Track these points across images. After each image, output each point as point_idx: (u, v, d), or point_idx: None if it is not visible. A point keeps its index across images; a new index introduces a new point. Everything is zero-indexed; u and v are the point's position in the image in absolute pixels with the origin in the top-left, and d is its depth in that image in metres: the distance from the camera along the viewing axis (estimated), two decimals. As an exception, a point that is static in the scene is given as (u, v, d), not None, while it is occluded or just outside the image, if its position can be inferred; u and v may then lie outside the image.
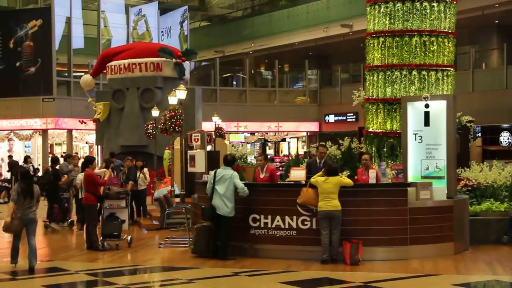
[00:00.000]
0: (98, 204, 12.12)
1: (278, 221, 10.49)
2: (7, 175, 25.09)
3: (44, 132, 29.13)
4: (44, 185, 14.90)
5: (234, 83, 39.49)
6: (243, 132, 34.49)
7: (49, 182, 15.19)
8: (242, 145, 27.46)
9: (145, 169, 16.40)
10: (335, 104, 33.10)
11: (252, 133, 35.24)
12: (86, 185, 12.01)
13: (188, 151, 15.00)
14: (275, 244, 10.48)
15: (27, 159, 20.60)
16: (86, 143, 31.95)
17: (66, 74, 30.16)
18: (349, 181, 10.38)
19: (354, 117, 31.44)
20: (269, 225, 10.53)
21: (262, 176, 11.65)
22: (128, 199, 12.29)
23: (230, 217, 10.43)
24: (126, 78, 23.59)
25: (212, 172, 10.76)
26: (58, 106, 28.56)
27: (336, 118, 33.02)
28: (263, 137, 35.61)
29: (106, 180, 12.24)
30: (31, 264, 9.89)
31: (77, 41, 30.77)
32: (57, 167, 15.50)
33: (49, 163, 17.27)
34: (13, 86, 28.94)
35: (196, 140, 15.21)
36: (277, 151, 37.17)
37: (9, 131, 29.57)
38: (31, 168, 20.33)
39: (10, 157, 25.63)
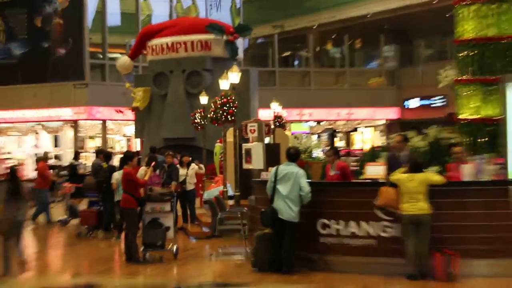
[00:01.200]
0: (138, 208, 12.13)
1: (353, 228, 10.34)
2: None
3: (75, 124, 29.61)
4: (101, 183, 15.00)
5: (296, 63, 39.31)
6: (307, 121, 34.37)
7: (105, 179, 15.02)
8: (306, 137, 27.29)
9: (193, 165, 16.40)
10: (418, 86, 32.59)
11: (318, 122, 35.04)
12: (125, 185, 12.01)
13: (243, 144, 14.96)
14: (349, 255, 10.34)
15: (77, 155, 20.64)
16: (124, 136, 32.35)
17: (101, 56, 30.59)
18: (439, 178, 10.10)
19: (442, 101, 30.87)
20: (342, 232, 10.40)
21: (332, 173, 11.47)
22: (173, 201, 12.27)
23: (295, 223, 10.32)
24: (169, 60, 23.77)
25: (273, 169, 10.65)
26: (91, 93, 28.98)
27: (420, 102, 32.56)
28: (331, 126, 35.38)
29: (147, 179, 12.26)
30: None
31: (113, 18, 31.16)
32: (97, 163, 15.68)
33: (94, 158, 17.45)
34: (41, 71, 29.53)
35: (252, 131, 15.16)
36: (348, 143, 36.83)
37: (36, 122, 30.17)
38: (81, 165, 20.59)
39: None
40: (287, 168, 10.47)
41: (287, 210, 10.27)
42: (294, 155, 10.69)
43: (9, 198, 10.61)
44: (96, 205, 15.44)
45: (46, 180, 17.88)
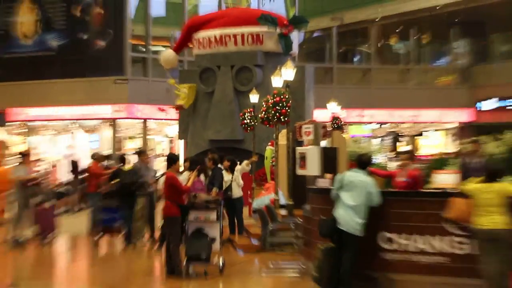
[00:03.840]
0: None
1: (420, 243, 10.24)
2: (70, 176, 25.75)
3: (114, 122, 29.84)
4: (127, 186, 15.40)
5: (356, 59, 39.11)
6: (367, 123, 34.20)
7: (132, 183, 15.50)
8: (366, 140, 27.08)
9: (238, 167, 16.27)
10: (493, 85, 32.23)
11: (380, 125, 34.79)
12: (167, 191, 12.07)
13: (297, 148, 14.89)
14: (416, 273, 10.23)
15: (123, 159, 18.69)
16: (166, 136, 32.55)
17: (143, 49, 30.81)
18: (519, 189, 9.81)
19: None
20: (408, 248, 10.30)
21: (400, 179, 11.31)
22: (219, 210, 12.25)
23: (356, 237, 10.22)
24: (217, 54, 23.78)
25: (339, 176, 10.57)
26: (132, 89, 29.24)
27: (496, 104, 32.13)
28: (395, 129, 35.11)
29: (190, 185, 12.27)
30: None
31: (157, 8, 31.39)
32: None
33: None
34: (78, 65, 29.88)
35: (307, 133, 15.06)
36: (413, 149, 36.50)
37: (72, 121, 30.50)
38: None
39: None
40: (354, 175, 10.42)
41: (349, 221, 10.18)
42: (366, 163, 10.64)
43: None
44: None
45: (98, 183, 17.48)
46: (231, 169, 16.15)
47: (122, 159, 16.25)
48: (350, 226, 10.16)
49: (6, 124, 30.97)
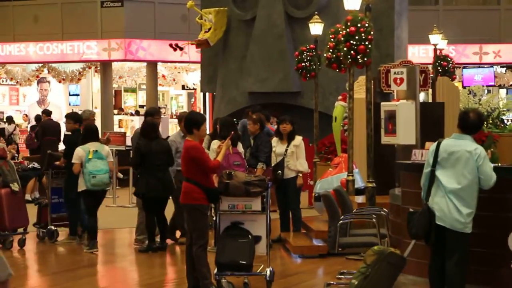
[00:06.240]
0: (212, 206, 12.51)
1: None
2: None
3: (104, 67, 30.16)
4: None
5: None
6: (491, 64, 34.05)
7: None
8: (488, 92, 27.21)
9: (298, 138, 16.42)
10: None
11: (510, 67, 34.72)
12: (187, 168, 12.17)
13: (382, 104, 15.10)
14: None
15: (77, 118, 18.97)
16: (183, 88, 32.82)
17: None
18: None
19: None
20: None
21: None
22: (266, 195, 12.40)
23: (465, 235, 10.27)
24: (258, -39, 24.00)
25: (432, 145, 10.62)
26: (129, 16, 29.49)
27: None
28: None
29: (221, 160, 12.46)
30: None
31: None
32: None
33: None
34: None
35: (398, 81, 15.31)
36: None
37: (40, 64, 30.83)
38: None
39: (45, 113, 26.52)
40: (457, 143, 10.30)
41: (453, 213, 10.14)
42: (474, 125, 10.45)
43: None
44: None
45: None
46: (288, 137, 16.13)
47: (75, 118, 16.71)
48: (454, 221, 10.12)
49: None
